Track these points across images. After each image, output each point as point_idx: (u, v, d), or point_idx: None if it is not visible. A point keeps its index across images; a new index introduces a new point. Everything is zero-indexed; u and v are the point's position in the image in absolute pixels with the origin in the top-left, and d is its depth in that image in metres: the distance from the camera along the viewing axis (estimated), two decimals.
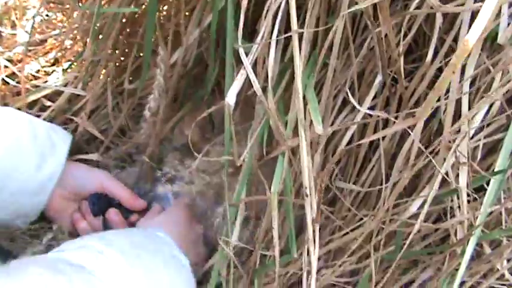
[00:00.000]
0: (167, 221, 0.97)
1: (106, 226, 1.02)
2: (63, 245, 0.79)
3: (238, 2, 0.72)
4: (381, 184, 0.77)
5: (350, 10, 0.64)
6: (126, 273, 0.73)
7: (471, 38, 0.46)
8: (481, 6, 0.47)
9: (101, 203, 1.03)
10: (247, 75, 0.67)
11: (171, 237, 0.89)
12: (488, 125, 0.76)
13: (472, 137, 0.75)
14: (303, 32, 0.69)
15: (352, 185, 0.83)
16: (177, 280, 0.82)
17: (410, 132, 0.71)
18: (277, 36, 0.68)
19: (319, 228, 0.87)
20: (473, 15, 0.68)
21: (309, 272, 0.69)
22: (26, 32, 1.21)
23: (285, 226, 0.82)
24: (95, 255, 0.74)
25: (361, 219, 0.83)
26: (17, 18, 1.24)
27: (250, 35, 0.87)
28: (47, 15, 1.24)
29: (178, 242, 0.89)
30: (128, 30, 1.04)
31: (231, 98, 0.66)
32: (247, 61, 0.68)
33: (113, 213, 1.02)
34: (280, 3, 0.67)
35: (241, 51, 0.66)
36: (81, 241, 0.80)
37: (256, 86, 0.67)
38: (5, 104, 1.12)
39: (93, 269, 0.71)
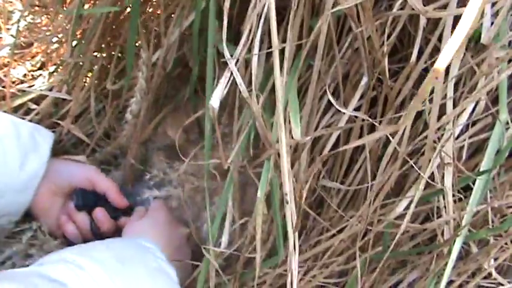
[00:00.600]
0: (150, 225, 0.95)
1: (93, 226, 1.01)
2: (44, 258, 0.77)
3: (221, 3, 0.72)
4: (367, 186, 0.77)
5: (333, 10, 0.63)
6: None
7: (441, 64, 0.46)
8: (462, 11, 0.47)
9: (86, 198, 1.02)
10: (231, 77, 0.67)
11: (155, 242, 0.88)
12: (473, 124, 0.76)
13: (457, 137, 0.75)
14: (285, 40, 0.68)
15: (339, 184, 0.83)
16: None
17: (391, 139, 0.70)
18: (261, 37, 0.68)
19: (308, 231, 0.87)
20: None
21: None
22: (12, 35, 1.20)
23: (273, 227, 0.82)
24: (76, 271, 0.72)
25: (348, 220, 0.83)
26: (2, 22, 1.23)
27: (235, 36, 0.87)
28: (32, 19, 1.22)
29: (163, 245, 0.88)
30: (110, 32, 1.03)
31: (215, 101, 0.66)
32: (232, 63, 0.67)
33: (99, 213, 1.01)
34: (264, 5, 0.67)
35: (227, 54, 0.65)
36: (62, 254, 0.77)
37: (243, 88, 0.66)
38: None
39: (71, 285, 0.69)
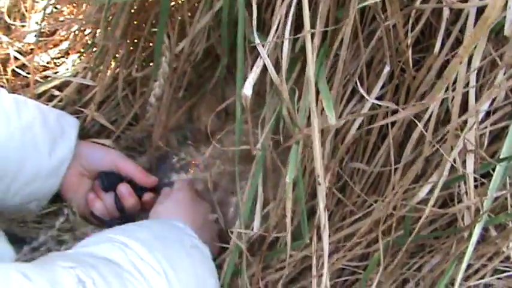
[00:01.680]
0: (174, 206, 0.98)
1: (117, 202, 1.05)
2: (85, 241, 0.80)
3: None
4: (390, 171, 0.79)
5: (360, 5, 0.66)
6: (151, 264, 0.75)
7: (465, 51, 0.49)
8: (487, 3, 0.50)
9: (111, 178, 1.05)
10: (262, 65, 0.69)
11: (185, 221, 0.91)
12: (493, 112, 0.78)
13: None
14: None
15: (364, 166, 0.85)
16: (201, 269, 0.84)
17: (417, 123, 0.73)
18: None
19: (330, 214, 0.90)
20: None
21: (320, 257, 0.71)
22: (36, 23, 1.22)
23: (296, 211, 0.85)
24: (120, 247, 0.75)
25: (371, 205, 0.85)
26: (26, 10, 1.25)
27: (261, 23, 0.90)
28: (56, 8, 1.25)
29: (192, 224, 0.91)
30: (135, 21, 1.06)
31: (247, 89, 0.68)
32: (263, 50, 0.69)
33: (123, 188, 1.04)
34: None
35: (260, 48, 0.67)
36: (104, 235, 0.81)
37: (274, 76, 0.68)
38: None
39: (119, 261, 0.72)
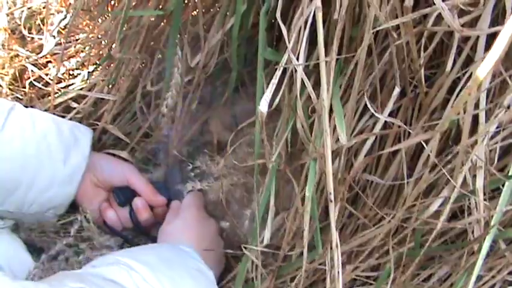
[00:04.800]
0: (182, 227, 1.02)
1: (133, 215, 1.07)
2: (94, 261, 0.85)
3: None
4: (402, 184, 0.81)
5: (374, 30, 0.68)
6: (154, 286, 0.78)
7: (481, 72, 0.51)
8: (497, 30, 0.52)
9: (125, 194, 1.09)
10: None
11: (190, 243, 0.96)
12: (503, 128, 0.80)
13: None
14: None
15: (377, 178, 0.87)
16: None
17: (425, 146, 0.75)
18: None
19: (342, 226, 0.92)
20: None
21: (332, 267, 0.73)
22: (53, 36, 1.24)
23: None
24: (127, 271, 0.79)
25: (382, 217, 0.87)
26: (42, 23, 1.28)
27: (275, 40, 0.92)
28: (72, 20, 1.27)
29: (196, 244, 0.96)
30: (151, 34, 1.08)
31: (263, 106, 0.70)
32: (300, 73, 0.71)
33: (139, 202, 1.08)
34: (308, 17, 0.71)
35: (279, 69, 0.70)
36: (112, 257, 0.85)
37: (314, 98, 0.71)
38: (32, 107, 1.16)
39: (125, 284, 0.76)
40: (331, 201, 0.70)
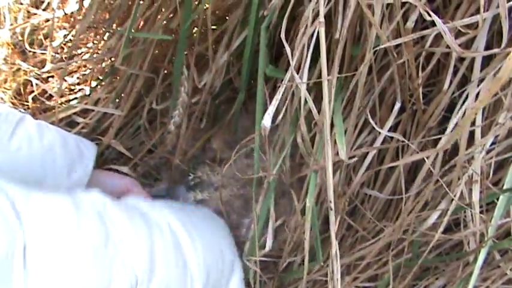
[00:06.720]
0: None
1: None
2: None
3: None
4: (401, 198, 0.84)
5: (375, 48, 0.71)
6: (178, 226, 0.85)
7: (487, 95, 0.54)
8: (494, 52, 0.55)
9: None
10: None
11: None
12: (499, 142, 0.83)
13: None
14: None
15: (377, 192, 0.90)
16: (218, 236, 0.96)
17: (426, 160, 0.78)
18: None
19: (342, 238, 0.95)
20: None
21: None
22: (56, 53, 1.26)
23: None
24: (153, 207, 0.89)
25: (380, 229, 0.90)
26: (44, 38, 1.30)
27: (276, 58, 0.95)
28: (73, 36, 1.29)
29: None
30: (157, 53, 1.11)
31: (267, 120, 0.73)
32: (282, 88, 0.74)
33: None
34: (311, 36, 0.74)
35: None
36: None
37: (316, 114, 0.74)
38: None
39: (151, 215, 0.85)
40: (331, 209, 0.72)
